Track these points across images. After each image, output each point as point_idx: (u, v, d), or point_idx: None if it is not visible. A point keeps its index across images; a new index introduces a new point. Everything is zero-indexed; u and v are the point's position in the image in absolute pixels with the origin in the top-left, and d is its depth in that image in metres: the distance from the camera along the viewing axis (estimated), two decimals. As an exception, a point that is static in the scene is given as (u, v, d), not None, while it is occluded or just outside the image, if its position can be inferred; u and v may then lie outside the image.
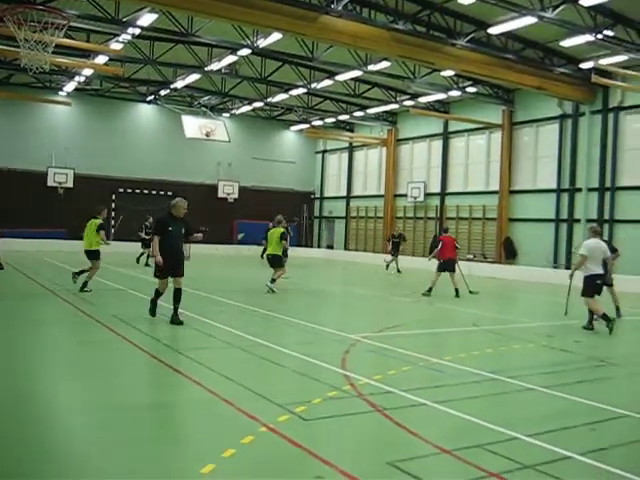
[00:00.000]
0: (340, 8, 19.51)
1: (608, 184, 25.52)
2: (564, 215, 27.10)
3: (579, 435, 5.86)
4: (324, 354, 9.00)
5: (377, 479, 4.60)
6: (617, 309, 14.50)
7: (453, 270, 17.87)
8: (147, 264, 22.65)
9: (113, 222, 36.03)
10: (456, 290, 17.56)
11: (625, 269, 21.61)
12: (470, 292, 18.13)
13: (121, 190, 36.50)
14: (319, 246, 43.03)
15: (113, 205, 36.18)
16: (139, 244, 24.86)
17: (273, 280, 16.48)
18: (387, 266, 26.68)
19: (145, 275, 19.51)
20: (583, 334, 12.08)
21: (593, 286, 12.14)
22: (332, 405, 6.45)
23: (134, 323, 10.79)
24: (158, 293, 11.24)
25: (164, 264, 10.75)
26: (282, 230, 17.02)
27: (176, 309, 10.92)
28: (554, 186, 27.69)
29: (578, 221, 26.38)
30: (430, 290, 17.48)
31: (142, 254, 24.35)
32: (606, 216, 25.52)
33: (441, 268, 17.85)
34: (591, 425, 6.10)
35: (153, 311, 11.24)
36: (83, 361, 8.26)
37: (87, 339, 9.72)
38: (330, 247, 41.97)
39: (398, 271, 26.21)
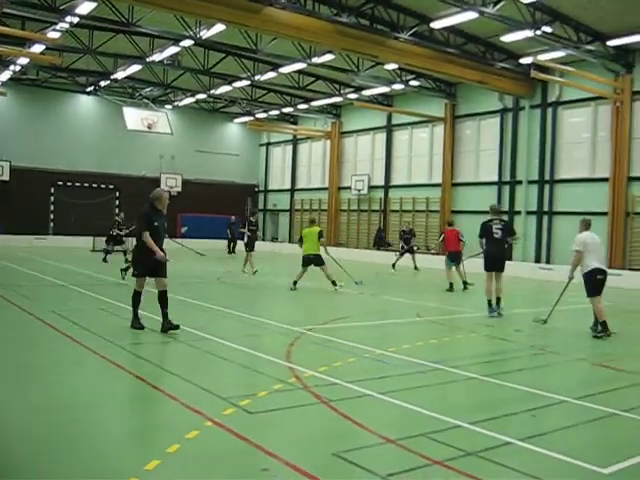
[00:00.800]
0: (284, 0, 19.42)
1: (547, 177, 26.14)
2: (505, 207, 27.60)
3: (520, 421, 6.00)
4: (269, 347, 8.98)
5: (323, 470, 4.60)
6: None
7: (458, 263, 18.30)
8: (127, 261, 19.71)
9: (52, 216, 35.22)
10: (450, 284, 18.01)
11: (563, 259, 22.21)
12: (465, 286, 18.25)
13: (60, 183, 35.62)
14: (263, 239, 42.88)
15: (52, 199, 35.35)
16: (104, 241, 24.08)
17: (334, 282, 16.51)
18: (394, 265, 24.55)
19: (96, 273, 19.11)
20: (523, 323, 12.34)
21: (595, 282, 11.11)
22: (277, 398, 6.43)
23: (74, 319, 10.56)
24: (138, 295, 9.97)
25: (146, 263, 9.74)
26: (319, 229, 17.00)
27: (166, 314, 9.71)
28: (495, 179, 28.22)
29: (519, 213, 26.98)
30: (452, 286, 18.00)
31: (108, 253, 23.38)
32: (545, 208, 26.14)
33: (449, 260, 18.34)
34: (531, 411, 6.24)
35: (138, 323, 9.87)
36: (20, 358, 8.03)
37: (25, 336, 9.46)
38: (275, 240, 41.88)
39: (415, 268, 24.89)
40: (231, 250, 31.68)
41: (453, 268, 18.33)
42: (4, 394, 6.39)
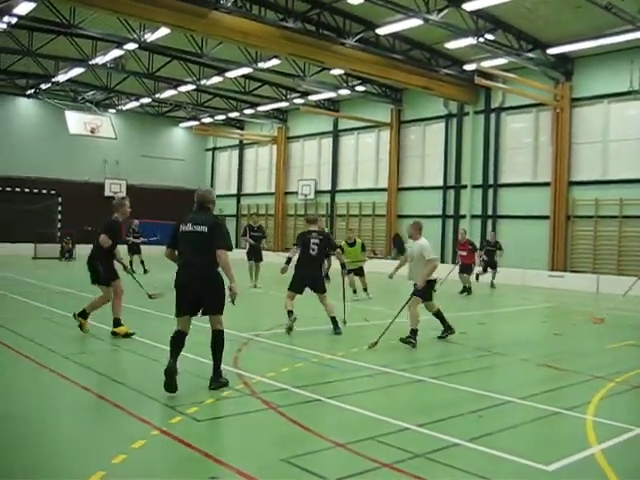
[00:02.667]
0: (230, 4, 19.30)
1: (491, 181, 26.60)
2: (450, 211, 28.04)
3: (466, 422, 6.07)
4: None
5: (273, 476, 4.58)
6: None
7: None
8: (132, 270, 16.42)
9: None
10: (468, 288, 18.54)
11: (508, 262, 22.66)
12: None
13: (0, 189, 34.61)
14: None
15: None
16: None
17: (366, 289, 16.81)
18: (477, 277, 20.50)
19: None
20: (468, 326, 12.51)
21: (432, 288, 10.76)
22: (225, 405, 6.38)
23: (13, 327, 10.27)
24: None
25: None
26: (361, 242, 17.39)
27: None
28: (440, 183, 28.58)
29: (464, 217, 27.39)
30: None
31: (131, 261, 21.17)
32: (489, 212, 26.61)
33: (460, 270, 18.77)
34: (477, 412, 6.33)
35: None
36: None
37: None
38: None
39: (492, 286, 21.12)
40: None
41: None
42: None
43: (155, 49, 25.63)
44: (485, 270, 20.82)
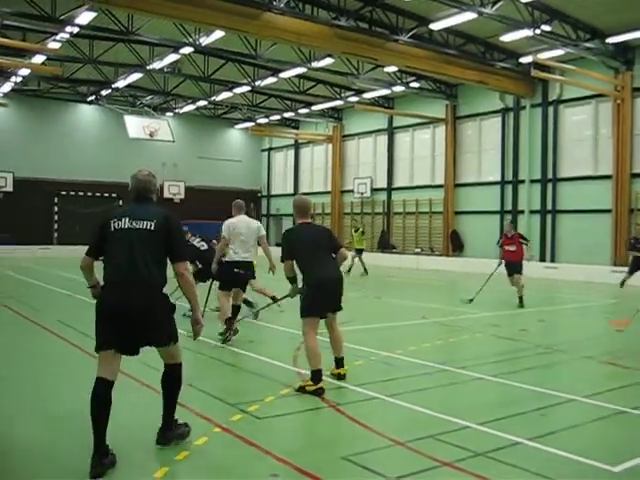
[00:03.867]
0: (282, 5, 19.44)
1: (550, 175, 26.09)
2: (508, 207, 27.59)
3: (528, 421, 5.98)
4: (276, 352, 8.97)
5: (332, 473, 4.60)
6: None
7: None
8: None
9: (56, 226, 35.29)
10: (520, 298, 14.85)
11: (568, 258, 22.21)
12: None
13: (64, 193, 35.67)
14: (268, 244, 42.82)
15: (55, 209, 35.42)
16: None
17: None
18: (622, 283, 18.25)
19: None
20: (528, 323, 12.32)
21: (229, 275, 9.87)
22: (285, 403, 6.44)
23: (82, 328, 10.58)
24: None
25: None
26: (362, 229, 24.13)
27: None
28: (498, 178, 28.17)
29: (522, 212, 26.93)
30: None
31: None
32: (549, 207, 26.10)
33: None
34: (540, 411, 6.23)
35: None
36: (28, 366, 8.04)
37: (30, 344, 9.47)
38: (279, 245, 41.75)
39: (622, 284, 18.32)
40: None
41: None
42: (17, 404, 6.41)
43: (210, 52, 25.97)
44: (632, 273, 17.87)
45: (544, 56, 22.34)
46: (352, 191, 35.73)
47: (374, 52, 22.15)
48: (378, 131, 34.81)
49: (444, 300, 16.80)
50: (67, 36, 22.25)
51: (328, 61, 24.90)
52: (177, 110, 37.30)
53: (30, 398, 6.62)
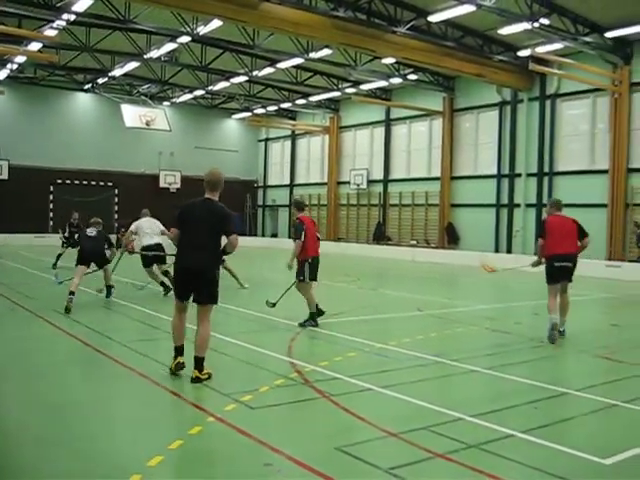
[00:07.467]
0: (280, -5, 19.40)
1: (546, 169, 26.11)
2: (504, 200, 27.63)
3: (522, 414, 6.01)
4: (270, 342, 8.99)
5: (326, 464, 4.61)
6: None
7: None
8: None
9: (52, 214, 35.20)
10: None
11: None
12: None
13: (59, 181, 35.57)
14: (263, 235, 42.86)
15: (51, 197, 35.33)
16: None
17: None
18: None
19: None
20: (523, 316, 12.35)
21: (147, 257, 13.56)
22: (279, 393, 6.45)
23: (76, 316, 10.57)
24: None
25: None
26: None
27: None
28: (494, 172, 28.19)
29: (518, 206, 26.96)
30: None
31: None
32: (545, 201, 26.10)
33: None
34: (533, 404, 6.25)
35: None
36: (19, 357, 8.03)
37: (25, 334, 9.46)
38: (274, 236, 41.85)
39: None
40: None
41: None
42: (5, 393, 6.42)
43: (208, 41, 25.90)
44: None
45: (542, 50, 22.34)
46: (348, 182, 35.72)
47: (372, 43, 22.11)
48: (375, 123, 34.75)
49: (439, 292, 16.81)
50: (64, 23, 22.16)
51: (326, 52, 24.86)
52: (174, 99, 37.19)
53: (23, 387, 6.61)
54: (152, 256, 13.45)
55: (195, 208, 7.01)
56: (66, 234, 20.64)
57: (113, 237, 15.01)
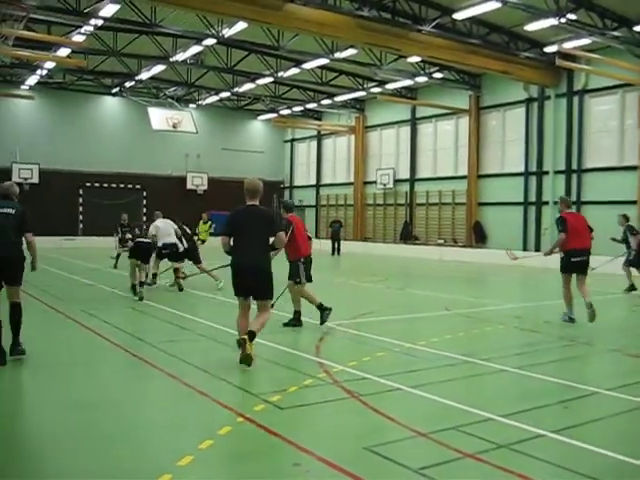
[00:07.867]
0: (305, -4, 19.44)
1: (575, 166, 25.83)
2: (532, 198, 27.38)
3: (552, 413, 5.96)
4: (298, 343, 9.03)
5: (355, 464, 4.62)
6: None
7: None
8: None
9: (81, 217, 35.64)
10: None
11: (593, 249, 21.89)
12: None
13: (88, 184, 36.02)
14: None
15: (80, 200, 35.77)
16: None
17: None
18: None
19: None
20: (553, 315, 12.23)
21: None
22: (308, 393, 6.47)
23: (105, 317, 10.70)
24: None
25: None
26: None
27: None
28: (522, 169, 27.95)
29: (546, 203, 26.70)
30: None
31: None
32: (573, 198, 25.81)
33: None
34: (563, 403, 6.20)
35: None
36: (53, 356, 8.15)
37: (56, 334, 9.60)
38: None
39: None
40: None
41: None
42: (38, 392, 6.53)
43: (233, 44, 26.02)
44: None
45: (569, 45, 22.07)
46: (375, 182, 35.66)
47: (397, 42, 22.05)
48: (401, 122, 34.65)
49: (467, 292, 16.73)
50: (91, 29, 22.43)
51: (351, 52, 24.85)
52: (200, 102, 37.43)
53: (50, 386, 6.72)
54: (166, 253, 14.63)
55: (243, 215, 7.83)
56: (119, 235, 21.16)
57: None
